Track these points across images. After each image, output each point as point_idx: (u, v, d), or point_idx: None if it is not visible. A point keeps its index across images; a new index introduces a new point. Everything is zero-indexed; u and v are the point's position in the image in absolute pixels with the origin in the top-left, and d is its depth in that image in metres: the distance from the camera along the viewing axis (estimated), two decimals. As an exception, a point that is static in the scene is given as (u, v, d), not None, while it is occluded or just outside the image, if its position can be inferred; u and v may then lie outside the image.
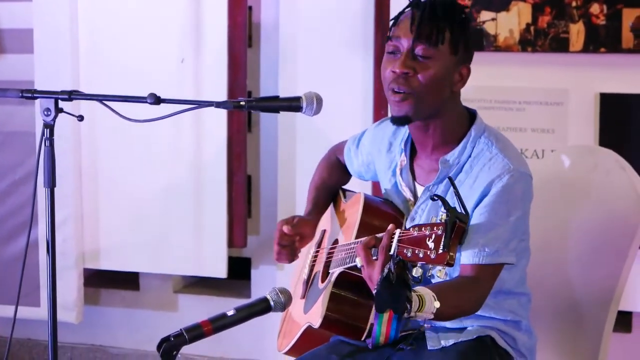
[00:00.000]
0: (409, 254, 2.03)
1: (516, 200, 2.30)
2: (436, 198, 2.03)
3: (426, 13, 2.29)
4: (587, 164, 2.78)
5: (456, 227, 1.98)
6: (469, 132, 2.38)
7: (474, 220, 2.28)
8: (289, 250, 2.66)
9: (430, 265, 2.04)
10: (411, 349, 2.40)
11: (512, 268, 2.37)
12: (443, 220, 1.99)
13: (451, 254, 1.98)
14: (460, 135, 2.39)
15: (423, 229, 2.03)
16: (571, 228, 2.75)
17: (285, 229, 2.63)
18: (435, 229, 2.00)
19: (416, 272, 2.06)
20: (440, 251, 1.98)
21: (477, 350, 2.37)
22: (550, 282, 2.74)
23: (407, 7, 2.35)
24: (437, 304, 2.09)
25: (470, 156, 2.37)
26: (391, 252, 2.07)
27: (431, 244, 2.00)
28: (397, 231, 2.09)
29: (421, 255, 2.01)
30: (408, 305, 2.03)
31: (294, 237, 2.65)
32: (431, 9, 2.29)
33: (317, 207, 2.75)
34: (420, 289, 2.09)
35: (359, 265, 2.18)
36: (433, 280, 2.19)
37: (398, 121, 2.35)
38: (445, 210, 1.99)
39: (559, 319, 2.74)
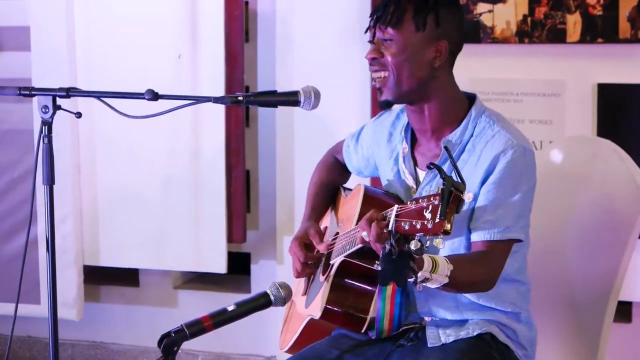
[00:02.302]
0: (406, 227, 2.03)
1: (521, 175, 2.33)
2: (432, 167, 2.04)
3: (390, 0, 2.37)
4: (586, 154, 2.78)
5: (453, 196, 1.97)
6: (470, 112, 2.41)
7: (481, 198, 2.32)
8: (313, 267, 2.59)
9: (427, 237, 2.04)
10: (412, 345, 2.41)
11: (512, 254, 2.37)
12: (439, 191, 1.99)
13: (447, 222, 1.97)
14: (459, 117, 2.41)
15: (420, 201, 2.02)
16: (570, 219, 2.75)
17: (322, 247, 2.54)
18: (432, 199, 2.00)
19: (415, 245, 2.03)
20: (437, 220, 1.97)
21: (476, 348, 2.37)
22: (550, 272, 2.74)
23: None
24: (450, 267, 2.14)
25: (472, 135, 2.39)
26: (389, 228, 2.07)
27: (428, 215, 1.99)
28: (395, 207, 2.09)
29: (419, 226, 2.01)
30: (413, 275, 2.05)
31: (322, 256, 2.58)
32: None
33: (317, 211, 2.73)
34: (432, 255, 2.14)
35: (367, 239, 2.15)
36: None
37: (382, 105, 2.42)
38: (441, 179, 1.98)
39: (559, 310, 2.74)
